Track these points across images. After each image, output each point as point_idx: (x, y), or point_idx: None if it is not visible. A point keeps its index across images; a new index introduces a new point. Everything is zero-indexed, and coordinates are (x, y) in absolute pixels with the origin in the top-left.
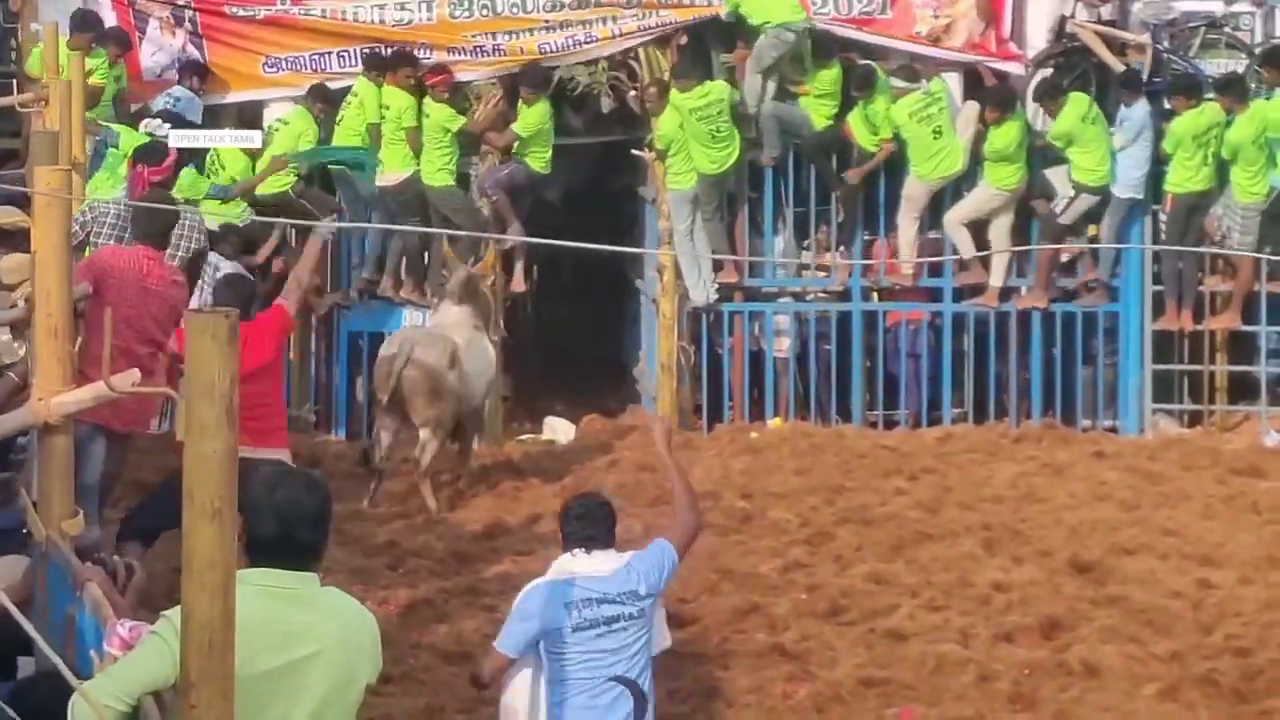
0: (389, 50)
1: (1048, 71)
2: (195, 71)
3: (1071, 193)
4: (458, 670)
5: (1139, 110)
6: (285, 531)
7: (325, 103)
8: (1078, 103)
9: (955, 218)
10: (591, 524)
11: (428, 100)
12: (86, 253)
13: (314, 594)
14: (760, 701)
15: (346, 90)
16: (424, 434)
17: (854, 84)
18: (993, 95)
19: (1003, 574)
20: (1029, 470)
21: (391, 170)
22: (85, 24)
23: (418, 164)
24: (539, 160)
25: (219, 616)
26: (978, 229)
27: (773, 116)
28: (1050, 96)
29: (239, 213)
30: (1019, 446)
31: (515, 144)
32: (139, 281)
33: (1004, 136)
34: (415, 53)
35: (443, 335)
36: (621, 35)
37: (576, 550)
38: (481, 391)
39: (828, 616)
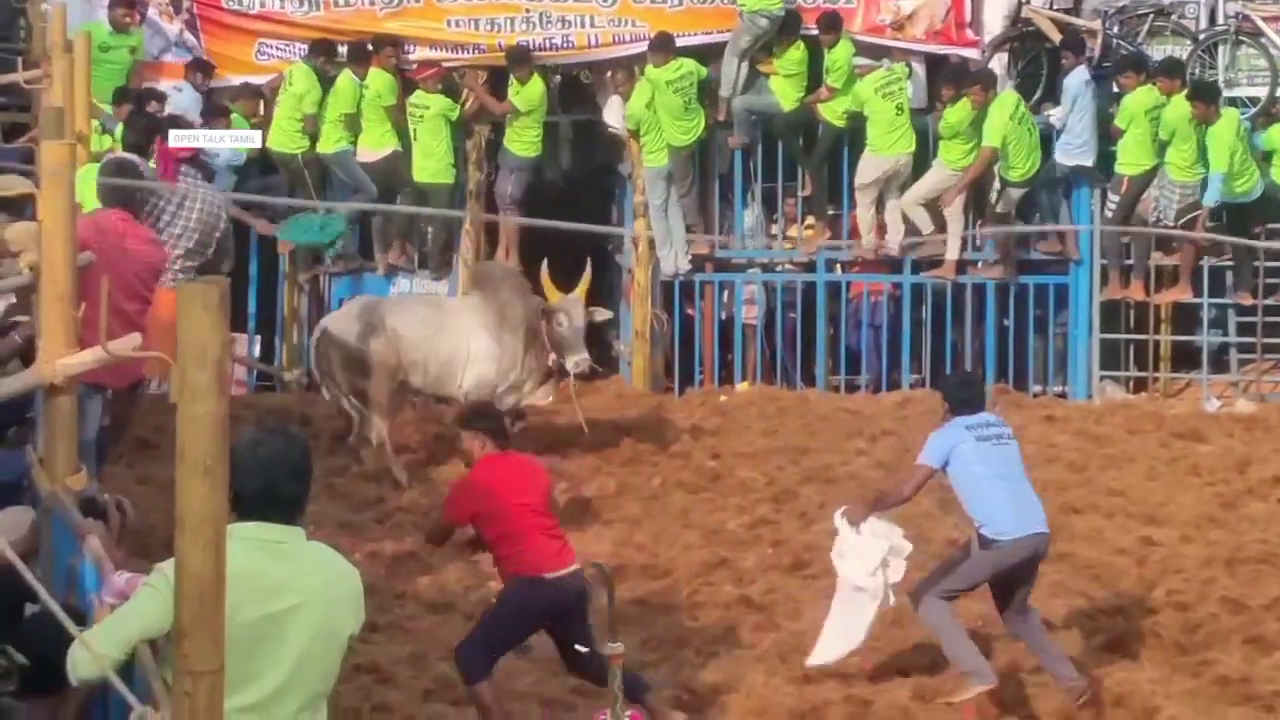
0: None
1: (1004, 55)
2: (200, 69)
3: (998, 185)
4: (441, 619)
5: (1077, 76)
6: (270, 485)
7: (328, 58)
8: (1004, 104)
9: (912, 198)
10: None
11: (422, 94)
12: None
13: (300, 548)
14: (727, 650)
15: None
16: (366, 409)
17: (821, 27)
18: (949, 73)
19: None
20: None
21: (371, 147)
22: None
23: (398, 142)
24: (530, 144)
25: (211, 568)
26: (933, 204)
27: (744, 110)
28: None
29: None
30: None
31: (511, 116)
32: (119, 244)
33: (958, 113)
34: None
35: (375, 305)
36: (599, 45)
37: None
38: (454, 378)
39: (792, 570)
